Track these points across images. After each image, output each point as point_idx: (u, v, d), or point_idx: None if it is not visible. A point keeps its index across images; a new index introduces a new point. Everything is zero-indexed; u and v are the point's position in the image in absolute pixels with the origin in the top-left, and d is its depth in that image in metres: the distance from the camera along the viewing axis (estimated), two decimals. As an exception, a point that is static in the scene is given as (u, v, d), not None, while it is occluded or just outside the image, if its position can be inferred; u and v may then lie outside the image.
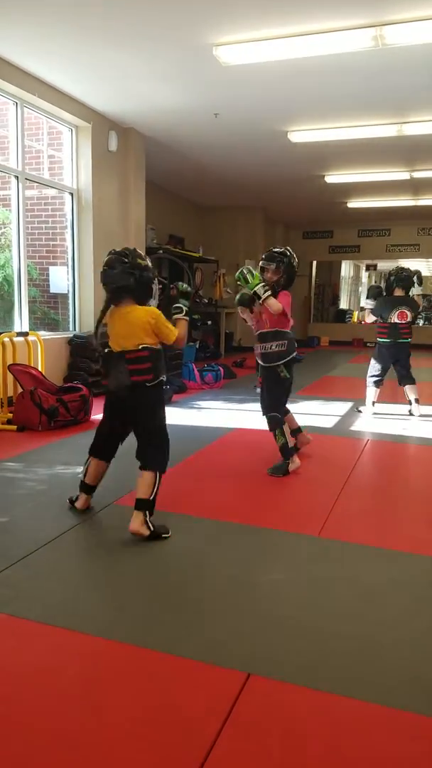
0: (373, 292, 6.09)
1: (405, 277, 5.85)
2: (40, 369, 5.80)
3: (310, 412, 6.18)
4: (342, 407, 6.48)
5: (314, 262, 15.73)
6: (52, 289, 7.44)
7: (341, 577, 2.56)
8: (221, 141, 7.83)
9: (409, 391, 6.00)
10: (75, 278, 7.26)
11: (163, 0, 4.29)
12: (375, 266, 18.89)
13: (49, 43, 5.11)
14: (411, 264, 20.09)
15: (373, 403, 6.06)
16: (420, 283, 5.97)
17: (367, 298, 6.16)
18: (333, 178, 9.69)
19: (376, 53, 5.00)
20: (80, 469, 3.91)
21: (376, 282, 21.58)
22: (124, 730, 1.61)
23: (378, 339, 6.03)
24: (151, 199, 8.57)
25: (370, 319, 6.08)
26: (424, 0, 4.19)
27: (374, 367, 6.01)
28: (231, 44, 4.92)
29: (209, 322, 11.50)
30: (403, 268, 6.05)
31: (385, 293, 5.98)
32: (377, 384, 5.99)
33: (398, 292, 5.88)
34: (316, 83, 5.78)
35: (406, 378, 5.99)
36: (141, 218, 8.06)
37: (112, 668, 1.90)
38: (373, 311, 5.98)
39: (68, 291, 7.31)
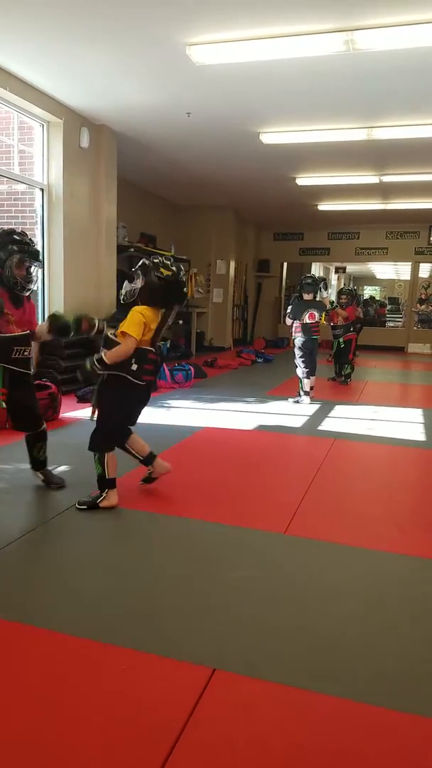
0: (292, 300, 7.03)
1: (308, 283, 6.80)
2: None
3: (278, 412, 6.24)
4: (310, 408, 6.55)
5: (285, 264, 15.82)
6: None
7: (307, 573, 2.59)
8: (193, 140, 7.84)
9: (311, 382, 6.89)
10: (45, 275, 7.18)
11: (136, -3, 4.29)
12: (344, 269, 19.11)
13: (20, 37, 5.05)
14: (380, 267, 20.49)
15: (310, 389, 6.86)
16: (326, 288, 7.06)
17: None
18: (304, 180, 9.77)
19: (348, 58, 5.06)
20: (53, 467, 3.89)
21: (345, 284, 21.88)
22: (88, 726, 1.62)
23: (294, 337, 6.86)
24: (123, 197, 8.52)
25: (289, 322, 6.89)
26: (395, 6, 4.26)
27: (301, 362, 6.79)
28: (204, 44, 4.93)
29: (180, 322, 11.48)
30: (308, 276, 7.12)
31: (298, 298, 6.86)
32: (308, 375, 6.81)
33: (307, 297, 6.77)
34: (287, 86, 5.83)
35: (312, 370, 6.85)
36: (112, 215, 8.01)
37: (76, 665, 1.90)
38: (289, 315, 6.85)
39: (38, 288, 7.23)
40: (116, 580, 2.46)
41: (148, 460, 3.54)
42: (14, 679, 1.81)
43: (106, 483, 3.24)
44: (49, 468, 3.69)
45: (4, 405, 3.29)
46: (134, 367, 3.13)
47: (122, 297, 3.33)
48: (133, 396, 3.28)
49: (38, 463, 3.58)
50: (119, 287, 3.78)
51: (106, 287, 7.86)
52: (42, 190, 6.98)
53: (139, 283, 3.21)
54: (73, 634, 2.04)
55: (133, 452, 3.50)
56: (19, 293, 3.32)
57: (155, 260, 3.24)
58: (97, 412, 3.30)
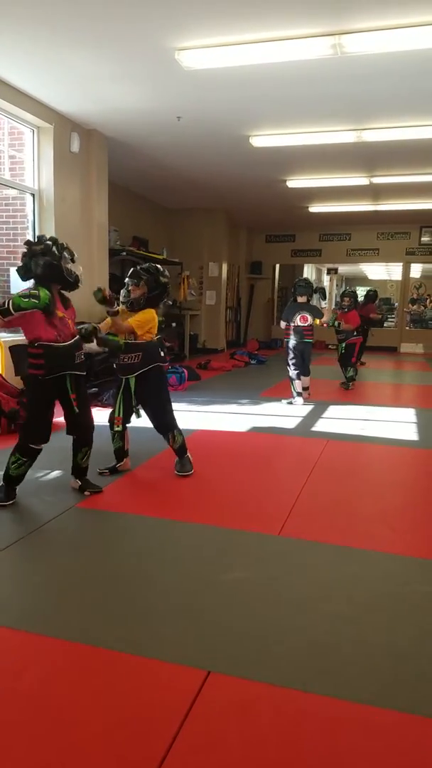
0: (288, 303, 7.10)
1: (301, 286, 6.86)
2: (0, 371, 5.72)
3: (272, 414, 6.26)
4: (304, 409, 6.57)
5: (277, 266, 15.85)
6: (13, 291, 7.33)
7: (301, 574, 2.61)
8: (184, 144, 7.85)
9: (303, 382, 7.01)
10: (36, 280, 7.17)
11: (124, 3, 4.30)
12: (336, 270, 19.16)
13: (9, 43, 5.05)
14: (371, 268, 20.54)
15: (302, 391, 6.98)
16: (323, 297, 7.29)
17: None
18: (294, 182, 9.80)
19: (336, 61, 5.09)
20: (41, 473, 3.90)
21: (338, 286, 21.95)
22: (85, 729, 1.62)
23: (285, 339, 6.99)
24: (114, 201, 8.53)
25: (282, 325, 6.97)
26: (382, 10, 4.29)
27: (291, 364, 6.94)
28: (193, 49, 4.95)
29: (173, 324, 11.50)
30: (301, 279, 7.20)
31: (292, 300, 6.92)
32: (298, 376, 6.95)
33: (300, 299, 6.81)
34: (277, 89, 5.86)
35: (304, 371, 6.99)
36: (104, 220, 8.02)
37: (71, 669, 1.90)
38: (282, 317, 6.97)
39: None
40: (110, 583, 2.47)
41: (126, 453, 3.99)
42: (11, 684, 1.82)
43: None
44: (45, 472, 3.70)
45: (77, 410, 3.43)
46: (162, 353, 3.84)
47: (128, 304, 3.74)
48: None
49: (79, 470, 3.63)
50: (113, 290, 3.94)
51: (99, 291, 7.86)
52: (33, 195, 6.98)
53: (139, 289, 3.74)
54: (67, 638, 2.05)
55: (124, 442, 3.93)
56: (75, 287, 3.52)
57: (152, 270, 3.76)
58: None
